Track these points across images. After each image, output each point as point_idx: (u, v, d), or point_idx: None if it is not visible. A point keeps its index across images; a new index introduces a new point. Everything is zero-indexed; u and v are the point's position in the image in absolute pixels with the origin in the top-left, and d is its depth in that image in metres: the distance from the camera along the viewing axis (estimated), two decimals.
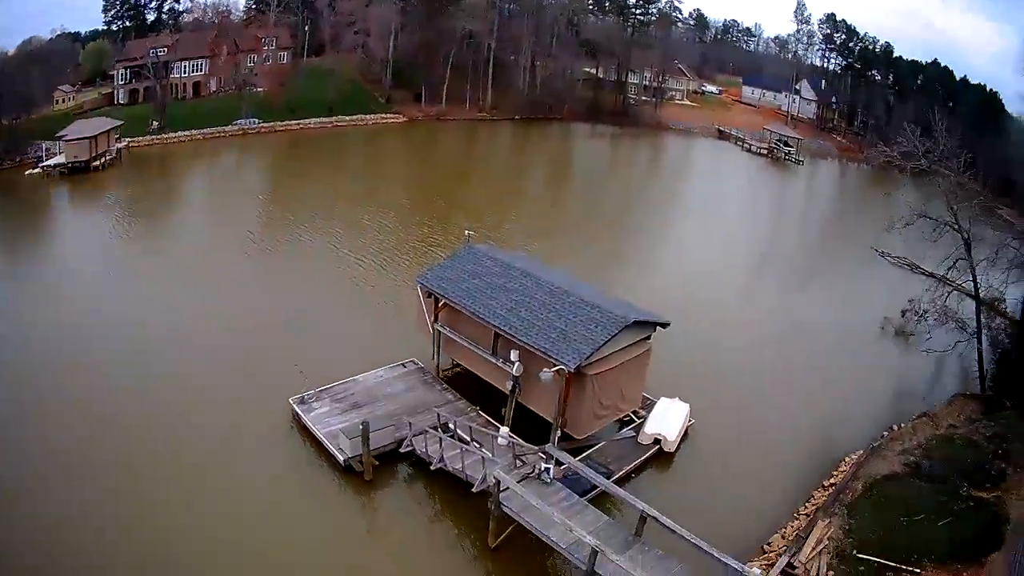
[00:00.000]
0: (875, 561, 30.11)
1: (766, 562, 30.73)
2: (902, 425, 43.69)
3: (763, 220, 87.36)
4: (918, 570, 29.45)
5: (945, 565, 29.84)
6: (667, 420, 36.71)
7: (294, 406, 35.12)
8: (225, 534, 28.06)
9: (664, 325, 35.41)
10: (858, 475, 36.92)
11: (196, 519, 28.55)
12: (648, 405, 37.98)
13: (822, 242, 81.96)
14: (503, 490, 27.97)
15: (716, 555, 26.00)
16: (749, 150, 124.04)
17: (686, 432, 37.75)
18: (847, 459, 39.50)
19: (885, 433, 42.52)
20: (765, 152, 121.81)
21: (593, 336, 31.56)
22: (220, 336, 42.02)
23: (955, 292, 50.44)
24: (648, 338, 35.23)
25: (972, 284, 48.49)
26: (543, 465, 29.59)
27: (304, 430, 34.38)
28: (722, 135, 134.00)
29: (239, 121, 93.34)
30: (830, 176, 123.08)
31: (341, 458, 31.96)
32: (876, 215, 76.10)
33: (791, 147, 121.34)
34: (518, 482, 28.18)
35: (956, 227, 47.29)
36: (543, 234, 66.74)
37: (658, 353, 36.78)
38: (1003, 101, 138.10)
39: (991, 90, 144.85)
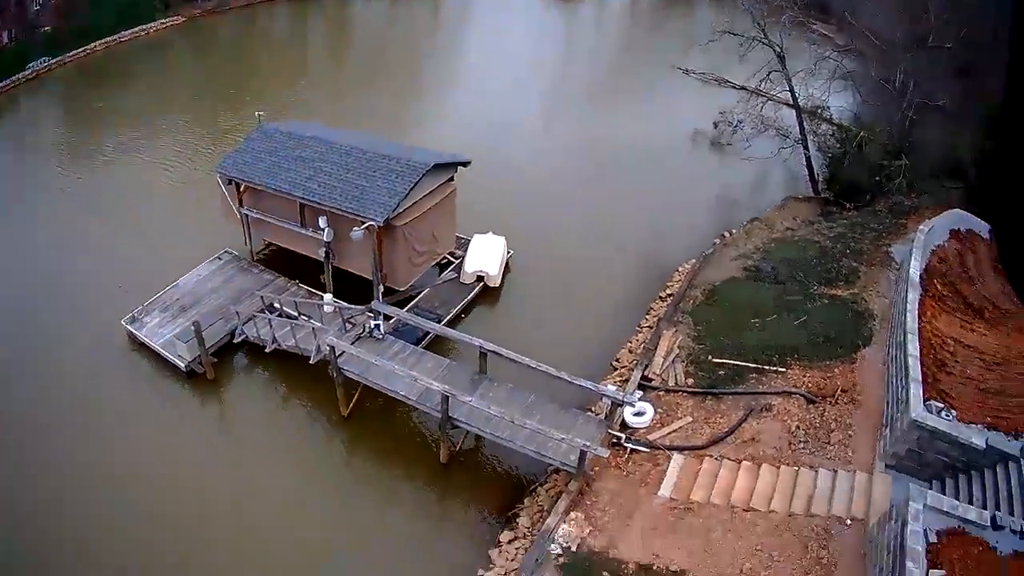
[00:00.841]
0: (734, 364, 30.20)
1: (620, 378, 31.04)
2: (733, 231, 43.80)
3: (555, 53, 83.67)
4: (783, 369, 29.56)
5: (813, 363, 29.94)
6: (485, 255, 36.79)
7: (127, 326, 33.42)
8: (93, 469, 27.10)
9: (465, 164, 35.16)
10: (695, 283, 37.01)
11: (58, 467, 27.32)
12: (464, 244, 37.94)
13: (619, 67, 77.95)
14: (339, 355, 27.66)
15: (568, 379, 26.35)
16: None
17: (507, 265, 37.86)
18: (680, 269, 39.75)
19: (716, 241, 42.55)
20: None
21: (396, 187, 31.21)
22: (46, 277, 39.01)
23: (771, 102, 50.42)
24: (451, 179, 34.97)
25: (789, 94, 48.52)
26: (372, 322, 29.38)
27: (143, 347, 32.93)
28: None
29: (31, 64, 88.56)
30: (619, 3, 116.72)
31: (182, 364, 30.96)
32: (674, 38, 75.60)
33: None
34: (352, 344, 27.94)
35: (766, 41, 47.24)
36: (334, 100, 64.15)
37: (465, 192, 36.40)
38: None
39: None
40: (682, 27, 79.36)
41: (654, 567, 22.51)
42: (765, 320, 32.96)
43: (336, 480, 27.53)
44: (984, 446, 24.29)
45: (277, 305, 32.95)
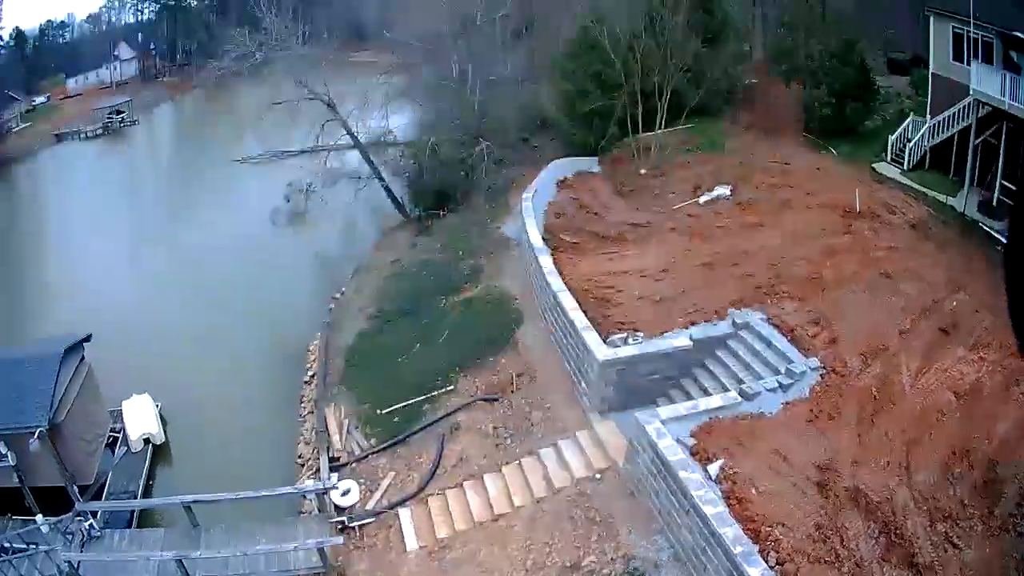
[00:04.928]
0: (404, 406, 31.54)
1: (310, 471, 31.56)
2: (343, 291, 44.63)
3: (121, 203, 73.27)
4: (451, 387, 31.33)
5: (476, 367, 31.75)
6: (141, 418, 35.82)
7: None
8: None
9: (87, 339, 33.79)
10: (330, 353, 37.59)
11: None
12: (117, 416, 36.39)
13: (182, 187, 72.50)
14: (78, 567, 27.05)
15: (268, 493, 27.77)
16: (85, 138, 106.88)
17: (163, 418, 36.76)
18: (311, 348, 40.02)
19: (331, 306, 43.39)
20: (100, 132, 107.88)
21: (41, 385, 29.76)
22: None
23: (334, 152, 51.76)
24: (83, 358, 33.68)
25: (348, 136, 49.75)
26: (85, 524, 28.41)
27: None
28: (60, 138, 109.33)
29: None
30: (168, 119, 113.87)
31: None
32: (225, 132, 74.22)
33: (123, 111, 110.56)
34: (80, 551, 27.39)
35: (312, 96, 48.43)
36: None
37: (97, 366, 34.57)
38: None
39: None
40: (228, 121, 77.44)
41: None
42: (411, 353, 34.30)
43: None
44: (691, 342, 26.10)
45: (7, 544, 29.53)
